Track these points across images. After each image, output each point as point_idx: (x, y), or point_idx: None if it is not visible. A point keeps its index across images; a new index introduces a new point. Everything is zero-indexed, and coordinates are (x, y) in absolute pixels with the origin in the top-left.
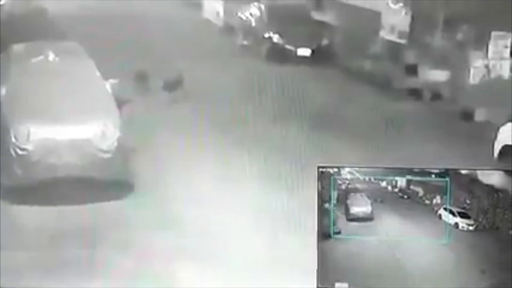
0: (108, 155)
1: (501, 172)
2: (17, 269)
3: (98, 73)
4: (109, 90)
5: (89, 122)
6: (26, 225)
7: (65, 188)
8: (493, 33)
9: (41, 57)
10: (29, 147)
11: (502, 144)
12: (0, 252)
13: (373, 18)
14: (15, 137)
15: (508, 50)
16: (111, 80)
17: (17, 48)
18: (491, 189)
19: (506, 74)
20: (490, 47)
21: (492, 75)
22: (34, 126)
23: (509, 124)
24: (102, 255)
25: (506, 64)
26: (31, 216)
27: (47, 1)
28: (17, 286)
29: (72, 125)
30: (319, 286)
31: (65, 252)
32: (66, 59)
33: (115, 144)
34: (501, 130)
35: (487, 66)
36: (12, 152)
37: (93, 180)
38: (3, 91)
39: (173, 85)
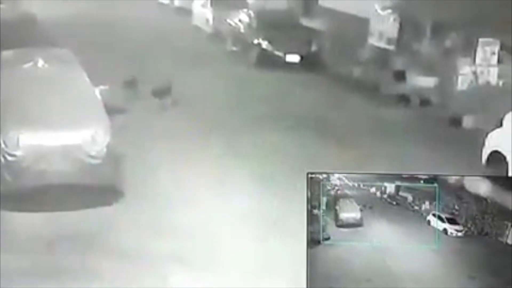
0: (98, 161)
1: (490, 179)
2: (8, 275)
3: (88, 80)
4: (99, 96)
5: (79, 128)
6: (16, 232)
7: (55, 194)
8: (481, 40)
9: (31, 63)
10: (18, 153)
11: (490, 150)
12: None
13: (362, 24)
14: (5, 143)
15: (496, 57)
16: (101, 87)
17: (6, 54)
18: (480, 196)
19: (493, 80)
20: (478, 54)
21: (480, 82)
22: (24, 132)
23: (497, 130)
24: (92, 260)
25: (493, 71)
26: (21, 222)
27: (37, 8)
28: None
29: (62, 131)
30: None
31: (55, 258)
32: (56, 66)
33: (105, 150)
34: (489, 136)
35: (474, 73)
36: (2, 158)
37: (83, 186)
38: None
39: (163, 91)
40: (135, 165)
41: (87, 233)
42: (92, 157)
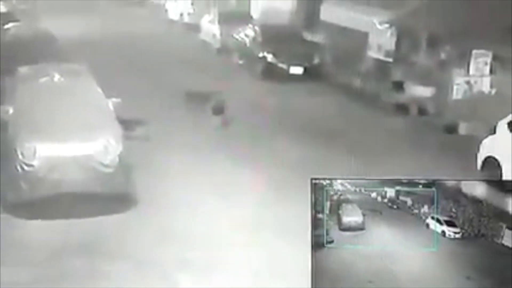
0: (110, 170)
1: (484, 183)
2: (23, 280)
3: (100, 92)
4: (111, 108)
5: (92, 138)
6: (32, 238)
7: (69, 203)
8: (474, 52)
9: (47, 78)
10: (35, 163)
11: (485, 156)
12: (3, 265)
13: (361, 38)
14: (22, 154)
15: (488, 67)
16: (113, 99)
17: (23, 70)
18: (475, 199)
19: (486, 89)
20: (471, 65)
21: (474, 91)
22: (40, 144)
23: (490, 137)
24: (104, 266)
25: (486, 81)
26: (36, 229)
27: (52, 25)
28: None
29: (76, 142)
30: None
31: (68, 263)
32: (71, 80)
33: (117, 159)
34: (483, 142)
35: (468, 83)
36: (19, 168)
37: (96, 194)
38: (11, 111)
39: (219, 109)
40: (145, 174)
41: (100, 239)
42: (104, 165)
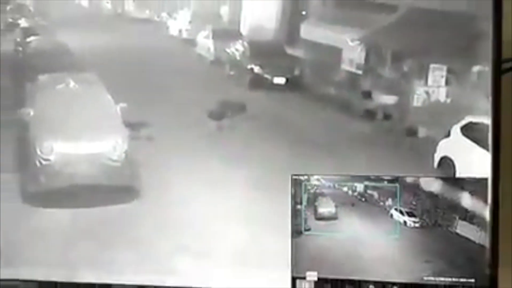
0: (117, 164)
1: (441, 179)
2: (40, 261)
3: (110, 98)
4: (119, 112)
5: (101, 138)
6: (48, 225)
7: (81, 193)
8: (431, 66)
9: (63, 85)
10: (52, 158)
11: (441, 156)
12: (23, 248)
13: (336, 53)
14: (40, 151)
15: (444, 80)
16: (121, 104)
17: (43, 78)
18: (433, 193)
19: (442, 98)
20: (429, 77)
21: (431, 100)
22: (56, 142)
23: (445, 139)
24: (110, 249)
25: (442, 91)
26: (52, 216)
27: (69, 39)
28: (35, 277)
29: (88, 141)
30: (293, 275)
31: (79, 247)
32: (84, 87)
33: (123, 155)
34: (439, 144)
35: (427, 92)
36: (38, 163)
37: (106, 186)
38: (31, 113)
39: (219, 115)
40: (149, 168)
41: (109, 226)
42: (112, 161)
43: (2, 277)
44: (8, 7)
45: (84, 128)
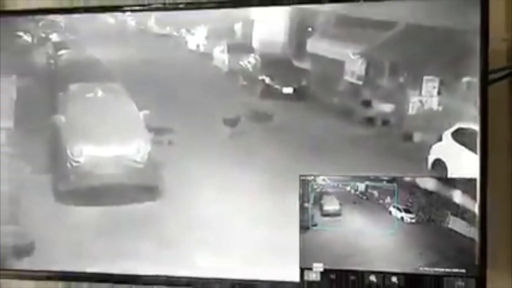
0: (141, 166)
1: (434, 179)
2: (71, 254)
3: (134, 106)
4: (142, 118)
5: (126, 142)
6: (78, 222)
7: (109, 192)
8: (425, 77)
9: (92, 94)
10: (81, 160)
11: (434, 158)
12: (57, 243)
13: (338, 65)
14: (71, 153)
15: (436, 90)
16: (144, 111)
17: (73, 87)
18: (427, 191)
19: (434, 107)
20: (423, 88)
21: (425, 108)
22: (86, 145)
23: (438, 143)
24: (135, 244)
25: (434, 100)
26: (82, 214)
27: (97, 51)
28: (68, 269)
29: (114, 144)
30: (301, 266)
31: (107, 242)
32: (110, 96)
33: (146, 157)
34: (432, 148)
35: (421, 101)
36: (69, 165)
37: (131, 186)
38: (63, 119)
39: (233, 121)
40: (171, 169)
41: (135, 223)
42: (137, 162)
43: (37, 268)
44: (40, 23)
45: (111, 133)
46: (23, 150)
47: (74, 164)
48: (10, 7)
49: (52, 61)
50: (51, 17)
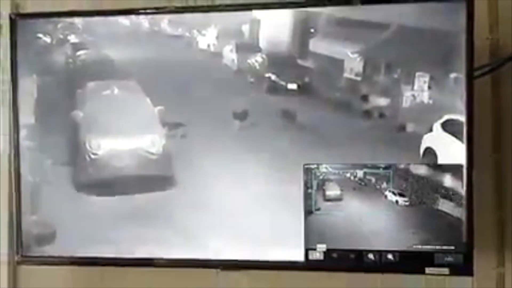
0: (156, 157)
1: (425, 166)
2: (93, 241)
3: (149, 102)
4: (157, 113)
5: (142, 135)
6: (97, 210)
7: (126, 183)
8: (417, 73)
9: (109, 91)
10: (99, 153)
11: (425, 147)
12: (80, 231)
13: (339, 63)
14: (90, 147)
15: (427, 85)
16: (159, 107)
17: (91, 85)
18: (419, 177)
19: (426, 100)
20: (415, 83)
21: (417, 101)
22: (103, 139)
23: (429, 133)
24: (152, 231)
25: (426, 94)
26: (100, 203)
27: (113, 51)
28: (88, 253)
29: (130, 138)
30: (306, 247)
31: (126, 229)
32: (126, 93)
33: (161, 149)
34: (424, 137)
35: (413, 96)
36: (87, 157)
37: (146, 176)
38: (81, 115)
39: (242, 115)
40: (184, 161)
41: (148, 211)
42: (152, 154)
43: (59, 255)
44: (59, 25)
45: (127, 127)
46: (44, 144)
47: (93, 156)
48: (30, 9)
49: (70, 61)
50: (70, 19)
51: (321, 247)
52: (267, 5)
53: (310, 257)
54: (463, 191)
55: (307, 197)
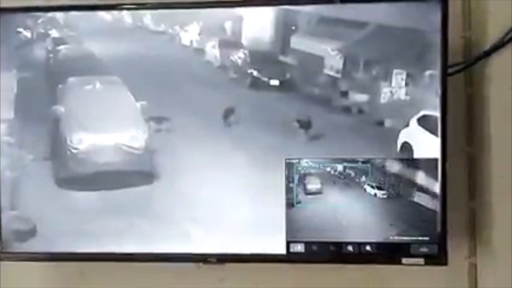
0: (138, 152)
1: (402, 160)
2: (74, 234)
3: (131, 97)
4: (139, 108)
5: (124, 130)
6: (77, 205)
7: (107, 178)
8: (394, 71)
9: (90, 86)
10: (81, 147)
11: (402, 141)
12: (61, 225)
13: (319, 60)
14: (71, 141)
15: (404, 82)
16: (141, 102)
17: (72, 80)
18: (396, 171)
19: (402, 97)
20: (393, 80)
21: (394, 97)
22: (84, 134)
23: (406, 129)
24: (136, 224)
25: (403, 91)
26: (81, 198)
27: (94, 46)
28: (68, 248)
29: (112, 132)
30: (287, 239)
31: (106, 222)
32: (108, 88)
33: (144, 144)
34: (401, 132)
35: (391, 92)
36: (68, 152)
37: (127, 171)
38: (62, 110)
39: (227, 113)
40: (167, 155)
41: (131, 205)
42: (134, 149)
43: (39, 250)
44: (40, 20)
45: (109, 122)
46: (24, 140)
47: (74, 151)
48: (10, 3)
49: (51, 56)
50: (50, 14)
51: (302, 239)
52: (250, 2)
53: (291, 250)
54: (437, 183)
55: (289, 190)
